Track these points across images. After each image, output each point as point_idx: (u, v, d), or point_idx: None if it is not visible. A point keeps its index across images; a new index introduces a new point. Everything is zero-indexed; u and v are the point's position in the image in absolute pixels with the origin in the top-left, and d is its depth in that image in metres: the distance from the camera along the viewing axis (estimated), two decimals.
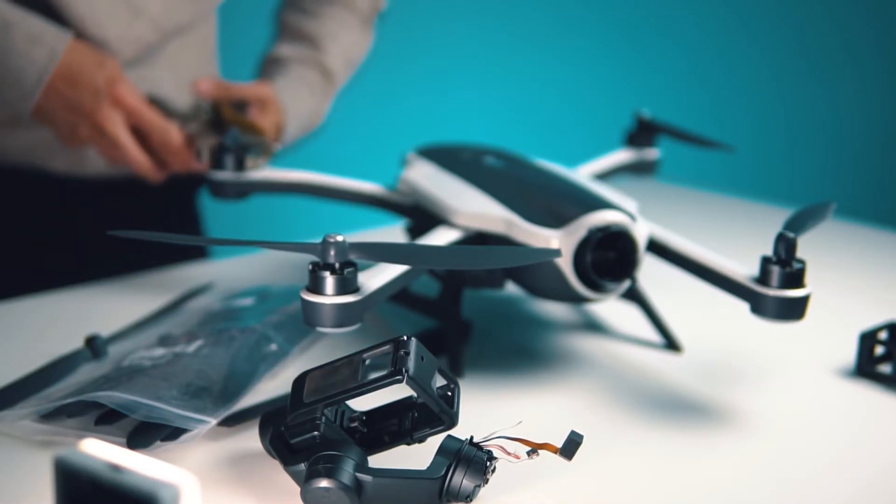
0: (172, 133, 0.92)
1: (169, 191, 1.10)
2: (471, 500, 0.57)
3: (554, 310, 0.93)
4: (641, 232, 0.75)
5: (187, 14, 0.97)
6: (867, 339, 0.80)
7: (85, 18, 0.90)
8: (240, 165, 0.89)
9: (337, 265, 0.61)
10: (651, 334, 0.87)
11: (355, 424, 0.61)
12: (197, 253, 1.14)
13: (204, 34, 1.07)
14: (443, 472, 0.56)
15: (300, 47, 1.07)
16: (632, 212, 0.76)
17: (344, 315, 0.62)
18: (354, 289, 0.62)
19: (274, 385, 0.74)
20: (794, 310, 0.67)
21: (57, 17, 0.90)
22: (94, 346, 0.76)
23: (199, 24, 1.04)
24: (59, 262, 1.07)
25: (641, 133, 1.03)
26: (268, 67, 1.08)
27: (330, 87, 1.09)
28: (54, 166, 1.02)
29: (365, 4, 1.13)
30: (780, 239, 0.67)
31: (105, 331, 0.80)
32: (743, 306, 0.70)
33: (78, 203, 1.06)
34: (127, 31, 0.93)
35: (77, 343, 0.77)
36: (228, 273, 1.01)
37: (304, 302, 0.62)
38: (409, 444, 0.60)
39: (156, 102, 0.97)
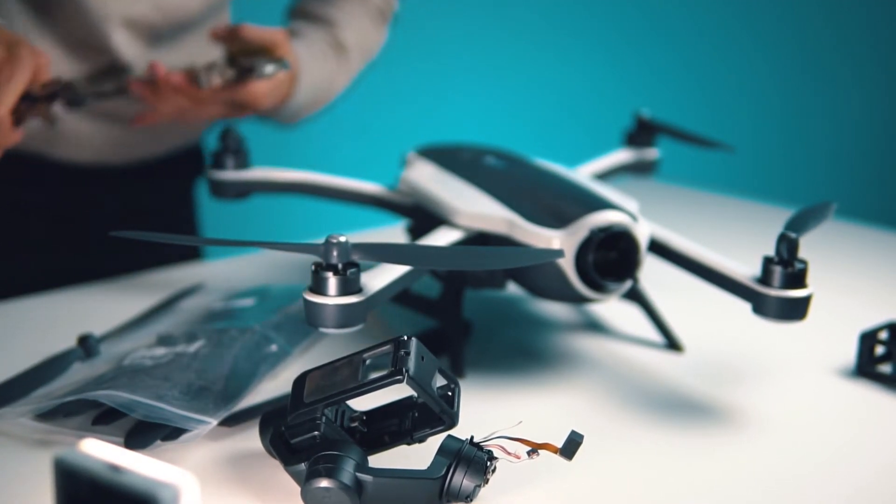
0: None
1: (167, 181, 1.10)
2: (471, 500, 0.57)
3: (555, 310, 0.93)
4: (643, 232, 0.75)
5: (195, 2, 0.97)
6: (867, 339, 0.80)
7: None
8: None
9: (340, 266, 0.61)
10: (652, 334, 0.87)
11: (355, 424, 0.61)
12: (191, 253, 1.14)
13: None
14: (443, 472, 0.56)
15: (313, 25, 1.08)
16: (633, 212, 0.76)
17: (347, 316, 0.62)
18: (357, 289, 0.62)
19: (274, 385, 0.74)
20: (795, 310, 0.67)
21: None
22: (87, 346, 0.76)
23: (212, 17, 1.04)
24: (53, 259, 1.07)
25: (641, 133, 1.03)
26: None
27: (344, 62, 1.09)
28: (53, 153, 1.02)
29: (378, 1, 1.14)
30: (782, 239, 0.67)
31: (98, 332, 0.80)
32: (744, 306, 0.70)
33: (73, 194, 1.06)
34: (129, 9, 0.93)
35: (69, 344, 0.77)
36: (225, 273, 1.01)
37: (307, 302, 0.62)
38: (409, 444, 0.60)
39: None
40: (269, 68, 0.92)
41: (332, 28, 1.08)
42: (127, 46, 0.98)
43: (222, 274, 1.00)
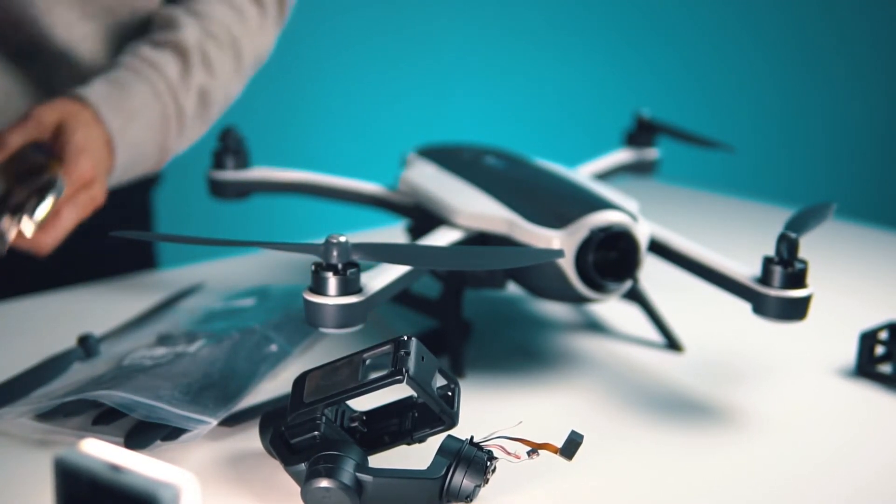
0: None
1: (123, 191, 1.08)
2: (471, 500, 0.57)
3: (555, 310, 0.93)
4: (643, 232, 0.75)
5: None
6: (867, 339, 0.80)
7: None
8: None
9: (340, 266, 0.61)
10: (652, 334, 0.87)
11: (355, 424, 0.61)
12: (146, 262, 1.13)
13: None
14: (443, 472, 0.56)
15: (137, 43, 0.91)
16: (633, 212, 0.76)
17: (347, 316, 0.62)
18: (357, 289, 0.62)
19: (274, 385, 0.74)
20: (796, 310, 0.67)
21: None
22: (87, 346, 0.76)
23: None
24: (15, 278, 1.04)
25: (641, 133, 1.03)
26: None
27: (189, 70, 0.91)
28: None
29: None
30: (783, 239, 0.67)
31: (98, 332, 0.80)
32: (744, 306, 0.70)
33: None
34: None
35: (69, 344, 0.77)
36: (225, 273, 1.01)
37: (307, 303, 0.62)
38: (409, 444, 0.60)
39: None
40: (39, 212, 0.74)
41: (168, 31, 0.93)
42: (70, 28, 0.91)
43: (222, 274, 1.00)
